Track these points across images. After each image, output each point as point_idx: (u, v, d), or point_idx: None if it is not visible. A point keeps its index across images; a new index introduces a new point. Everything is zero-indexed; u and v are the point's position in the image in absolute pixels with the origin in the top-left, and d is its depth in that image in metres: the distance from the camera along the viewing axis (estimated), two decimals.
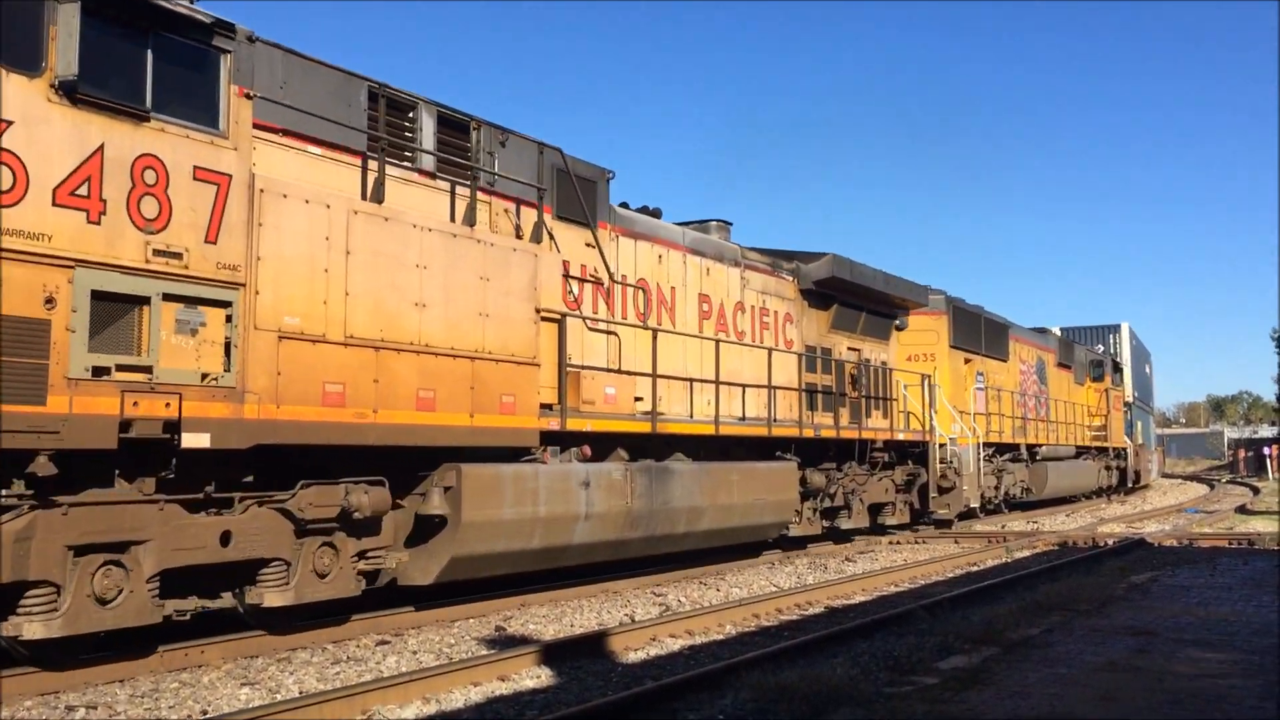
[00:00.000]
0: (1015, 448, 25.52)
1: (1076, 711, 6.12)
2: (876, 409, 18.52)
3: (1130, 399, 38.57)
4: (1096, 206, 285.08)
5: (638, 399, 12.61)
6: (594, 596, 12.11)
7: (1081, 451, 31.49)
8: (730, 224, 16.36)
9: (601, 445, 12.11)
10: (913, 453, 19.44)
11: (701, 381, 13.94)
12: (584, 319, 12.17)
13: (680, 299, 14.15)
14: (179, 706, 7.01)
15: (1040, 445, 27.17)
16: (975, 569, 15.19)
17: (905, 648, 8.72)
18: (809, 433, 15.90)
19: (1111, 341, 41.30)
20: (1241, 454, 66.38)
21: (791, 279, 16.83)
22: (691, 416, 13.74)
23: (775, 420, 15.26)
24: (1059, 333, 37.23)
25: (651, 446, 12.91)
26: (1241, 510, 27.35)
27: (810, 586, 12.61)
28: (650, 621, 9.92)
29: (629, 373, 12.57)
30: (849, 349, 18.27)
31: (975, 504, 21.39)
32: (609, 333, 12.65)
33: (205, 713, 6.86)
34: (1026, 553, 17.20)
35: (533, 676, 7.93)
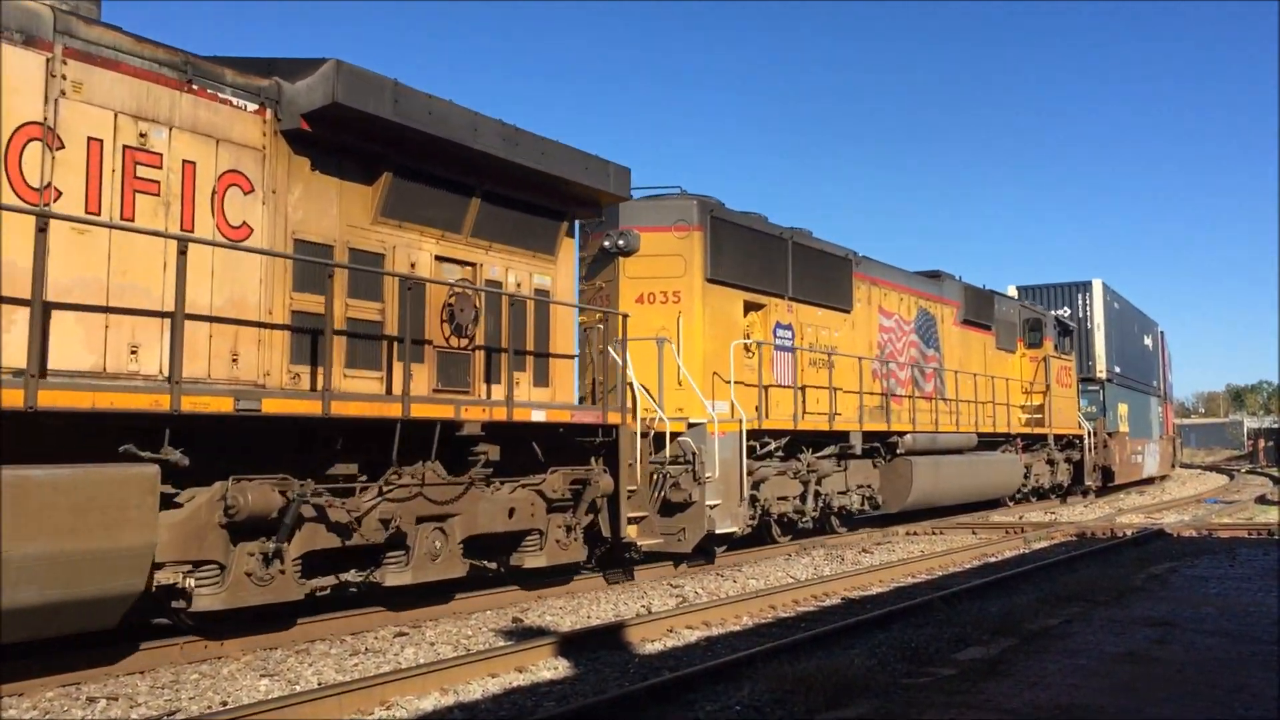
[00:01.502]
0: (851, 436, 17.04)
1: (1095, 702, 6.10)
2: (521, 370, 11.03)
3: (1102, 374, 30.70)
4: (1118, 201, 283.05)
5: None
6: (611, 588, 12.12)
7: (999, 441, 23.25)
8: None
9: None
10: (604, 445, 11.83)
11: None
12: None
13: None
14: (199, 698, 7.06)
15: (903, 433, 18.48)
16: (993, 560, 15.15)
17: (923, 639, 8.72)
18: (200, 405, 7.57)
19: (1080, 303, 31.52)
20: (1261, 444, 65.99)
21: (257, 106, 8.68)
22: None
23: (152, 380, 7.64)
24: (1012, 293, 29.66)
25: None
26: (1261, 500, 27.18)
27: (827, 578, 12.59)
28: (667, 613, 9.93)
29: None
30: (440, 260, 10.24)
31: (735, 526, 13.53)
32: None
33: (225, 704, 6.91)
34: (1045, 543, 17.14)
35: (550, 668, 7.96)
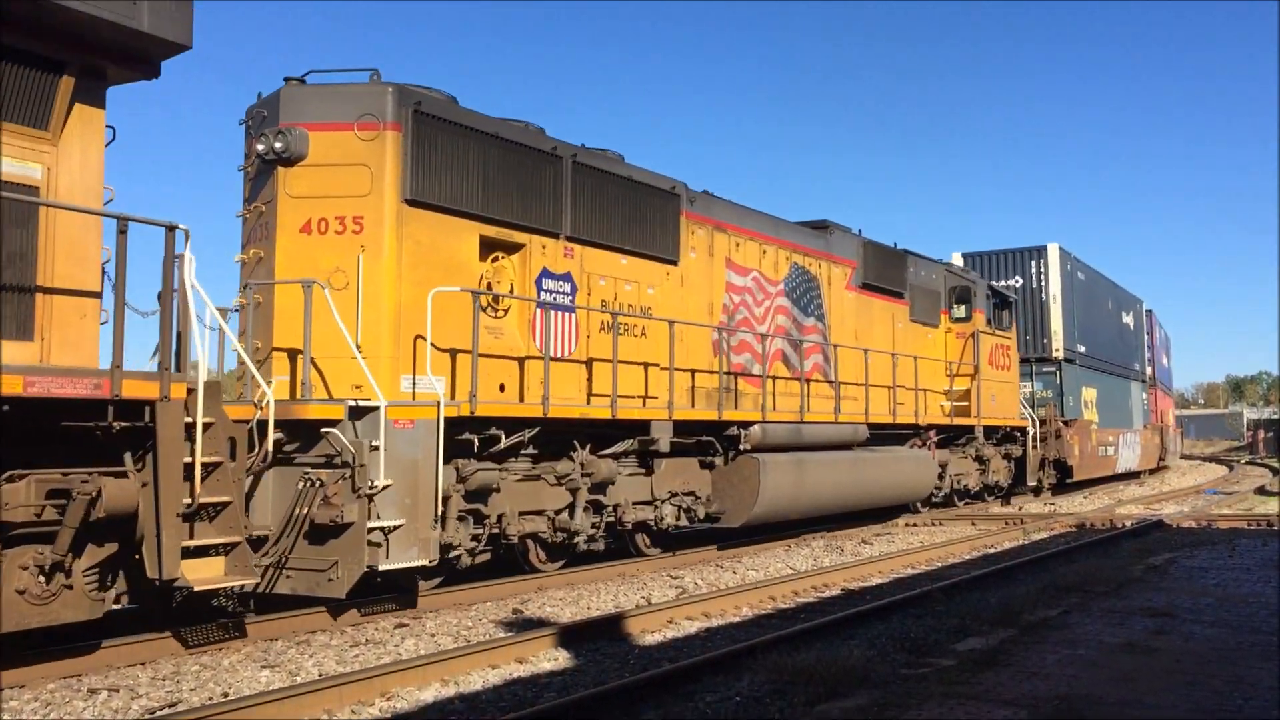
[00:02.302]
0: (654, 428, 12.46)
1: (1094, 693, 6.12)
2: None
3: (1059, 352, 26.53)
4: (1117, 193, 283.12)
5: None
6: (611, 579, 12.14)
7: (907, 434, 18.57)
8: None
9: None
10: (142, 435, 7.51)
11: None
12: None
13: None
14: (200, 689, 7.07)
15: (747, 423, 13.91)
16: (992, 550, 15.17)
17: (922, 630, 8.74)
18: None
19: (1034, 271, 27.01)
20: (1261, 435, 66.02)
21: None
22: None
23: None
24: (957, 261, 25.52)
25: None
26: (1261, 491, 27.21)
27: (826, 569, 12.61)
28: (667, 604, 9.94)
29: None
30: None
31: (425, 557, 9.40)
32: None
33: (226, 695, 6.93)
34: (1044, 534, 17.16)
35: (550, 659, 7.98)
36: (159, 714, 6.46)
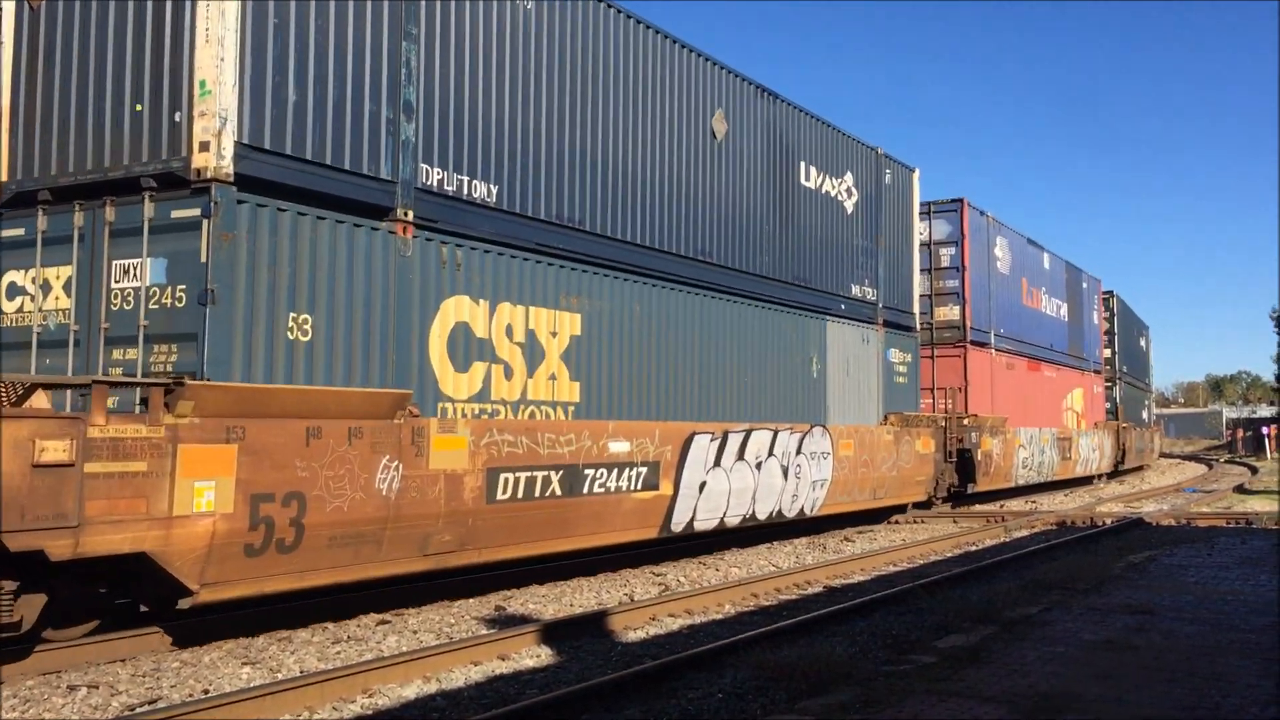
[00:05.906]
0: None
1: (1074, 690, 6.15)
2: None
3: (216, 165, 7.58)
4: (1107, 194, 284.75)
5: None
6: (593, 577, 12.13)
7: None
8: None
9: None
10: None
11: None
12: None
13: None
14: (180, 686, 7.03)
15: None
16: (974, 549, 15.23)
17: (904, 627, 8.76)
18: None
19: None
20: (1240, 434, 66.55)
21: None
22: None
23: None
24: None
25: None
26: (1240, 490, 27.42)
27: (809, 566, 12.63)
28: (649, 601, 9.95)
29: None
30: None
31: None
32: None
33: (206, 692, 6.89)
34: (1025, 532, 17.24)
35: (533, 655, 7.96)
36: (139, 711, 6.42)
